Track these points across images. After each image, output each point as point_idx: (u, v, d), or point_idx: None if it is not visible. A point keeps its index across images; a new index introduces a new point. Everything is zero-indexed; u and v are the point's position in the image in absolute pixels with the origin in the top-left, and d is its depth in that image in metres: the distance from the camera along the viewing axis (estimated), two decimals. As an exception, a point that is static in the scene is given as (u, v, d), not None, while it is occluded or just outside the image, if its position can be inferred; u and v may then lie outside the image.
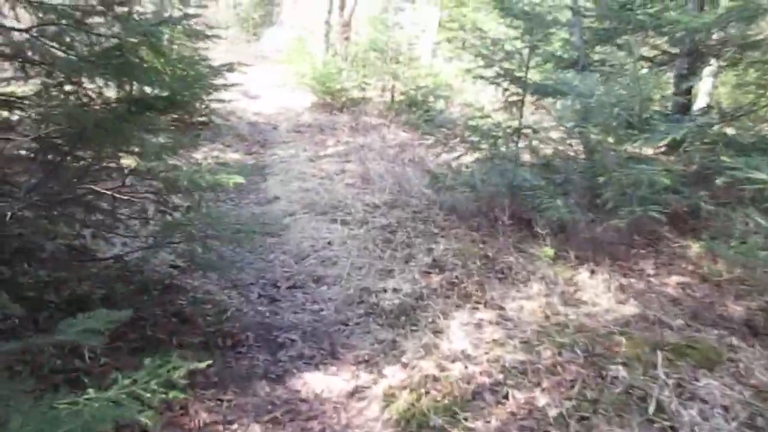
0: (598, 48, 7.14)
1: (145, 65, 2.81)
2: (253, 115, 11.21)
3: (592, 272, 4.37)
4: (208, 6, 15.92)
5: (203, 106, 9.34)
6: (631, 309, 3.85)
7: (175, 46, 9.76)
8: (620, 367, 3.05)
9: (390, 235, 5.14)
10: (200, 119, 9.45)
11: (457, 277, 4.27)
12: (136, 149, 2.89)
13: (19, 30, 2.85)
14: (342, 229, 5.30)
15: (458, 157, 6.21)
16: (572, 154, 5.63)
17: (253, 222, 5.59)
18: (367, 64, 12.11)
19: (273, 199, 6.37)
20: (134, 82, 3.08)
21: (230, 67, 9.17)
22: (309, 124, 10.25)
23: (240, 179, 2.70)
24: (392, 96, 11.76)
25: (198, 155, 7.61)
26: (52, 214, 3.75)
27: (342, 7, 14.81)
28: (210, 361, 2.27)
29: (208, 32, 9.32)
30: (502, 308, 3.84)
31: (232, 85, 10.04)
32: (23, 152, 3.34)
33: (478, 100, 11.84)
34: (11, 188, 3.19)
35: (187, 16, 4.07)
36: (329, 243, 5.01)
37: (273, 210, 6.04)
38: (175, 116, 8.91)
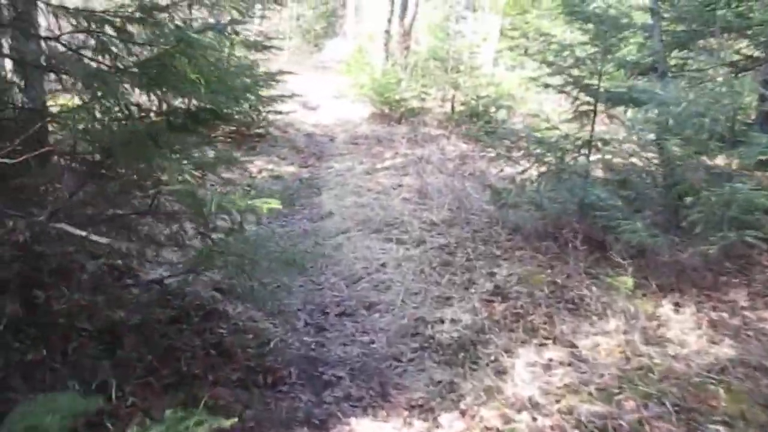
0: (674, 52, 6.57)
1: (182, 76, 2.56)
2: (310, 126, 11.07)
3: (677, 305, 3.86)
4: (268, 17, 16.00)
5: (260, 118, 9.25)
6: (726, 351, 3.34)
7: (234, 57, 9.74)
8: (721, 428, 2.57)
9: (448, 256, 4.77)
10: (258, 131, 9.36)
11: (522, 307, 3.86)
12: (168, 167, 2.62)
13: (47, 38, 2.67)
14: (397, 249, 4.96)
15: (522, 172, 5.78)
16: (650, 169, 5.11)
17: (304, 238, 5.36)
18: (427, 74, 11.79)
19: (326, 214, 6.11)
20: (176, 95, 2.84)
21: (278, 77, 9.10)
22: (366, 135, 10.00)
23: (276, 204, 2.39)
24: (452, 106, 11.38)
25: (253, 168, 7.47)
26: (96, 231, 3.59)
27: (402, 17, 14.56)
28: (236, 419, 1.96)
29: (267, 43, 9.24)
30: (574, 346, 3.40)
31: (290, 96, 9.96)
32: (60, 166, 3.19)
33: (543, 110, 11.32)
34: (50, 204, 3.01)
35: (234, 22, 3.82)
36: (383, 265, 4.68)
37: (326, 226, 5.77)
38: (232, 128, 8.81)
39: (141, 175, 3.27)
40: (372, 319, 3.87)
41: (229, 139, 8.88)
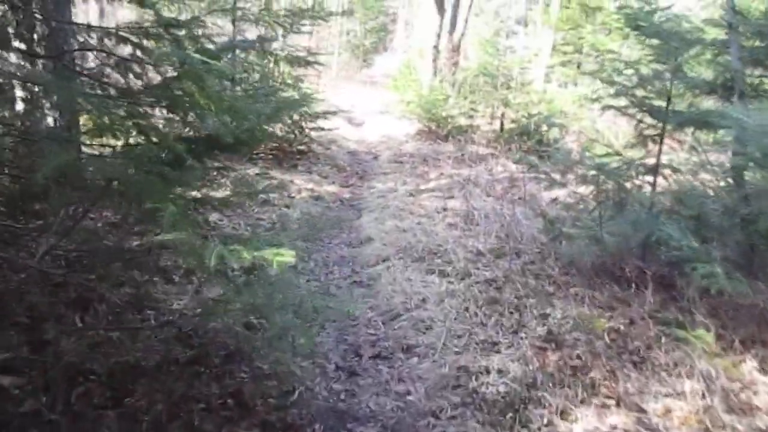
0: (748, 70, 6.01)
1: (190, 101, 2.27)
2: (354, 143, 10.82)
3: (763, 362, 3.35)
4: (317, 31, 15.79)
5: (303, 134, 9.03)
6: (827, 424, 2.83)
7: (279, 72, 9.58)
8: None
9: (495, 292, 4.35)
10: (300, 147, 9.14)
11: (579, 358, 3.42)
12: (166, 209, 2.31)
13: (45, 57, 2.42)
14: (440, 283, 4.57)
15: (578, 201, 5.33)
16: (725, 200, 4.58)
17: (341, 266, 5.03)
18: (476, 90, 11.39)
19: (366, 239, 5.77)
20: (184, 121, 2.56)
21: (319, 94, 8.84)
22: (411, 153, 9.66)
23: (290, 257, 2.05)
24: (501, 124, 10.95)
25: (293, 187, 7.22)
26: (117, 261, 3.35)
27: (452, 32, 14.23)
28: None
29: (311, 58, 9.03)
30: (641, 410, 2.95)
31: (334, 112, 9.72)
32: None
33: (599, 130, 10.77)
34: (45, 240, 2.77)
35: (263, 40, 3.53)
36: (424, 300, 4.30)
37: (364, 253, 5.43)
38: (274, 145, 8.58)
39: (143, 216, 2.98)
40: (410, 365, 3.49)
41: (270, 156, 8.70)
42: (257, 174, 7.53)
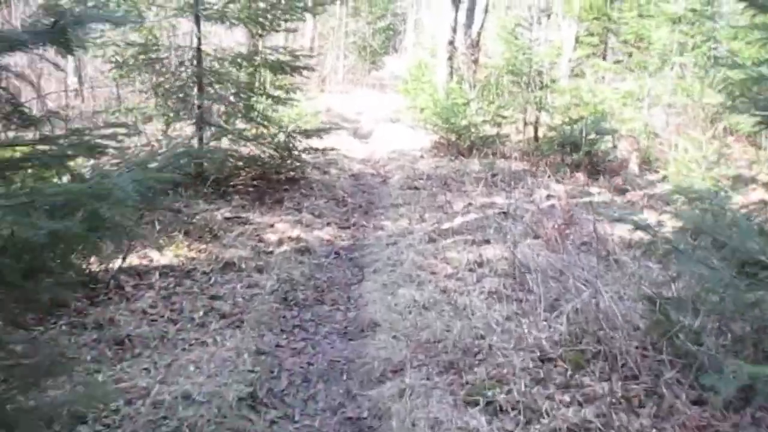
0: None
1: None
2: (359, 162, 8.98)
3: None
4: (293, 30, 13.69)
5: (292, 159, 7.21)
6: None
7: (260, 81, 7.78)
8: None
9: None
10: (290, 175, 7.33)
11: None
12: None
13: None
14: (489, 429, 2.71)
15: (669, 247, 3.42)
16: None
17: (324, 383, 3.18)
18: (502, 92, 9.49)
19: (369, 325, 3.92)
20: None
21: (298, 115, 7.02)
22: (428, 174, 7.79)
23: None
24: (536, 132, 9.04)
25: (273, 236, 5.40)
26: None
27: (468, 25, 12.32)
28: None
29: (298, 63, 7.21)
30: None
31: (329, 129, 7.92)
32: None
33: (655, 133, 8.82)
34: None
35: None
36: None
37: (366, 354, 3.57)
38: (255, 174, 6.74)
39: None
40: None
41: (251, 188, 6.89)
42: (227, 218, 5.72)
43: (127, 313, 3.75)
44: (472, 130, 8.91)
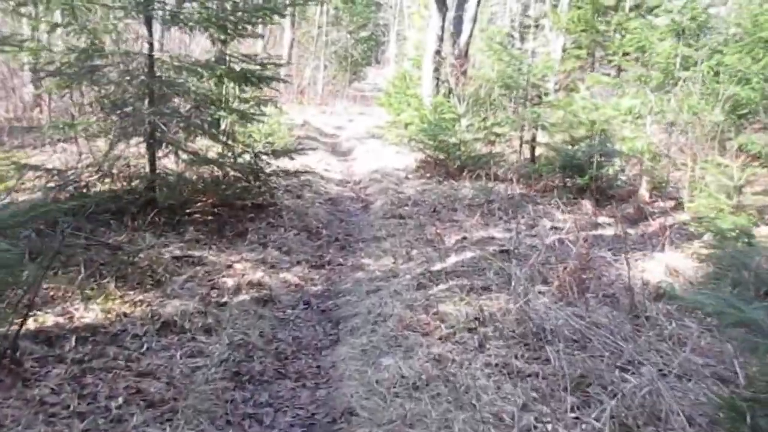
0: None
1: None
2: (336, 184, 8.08)
3: None
4: (260, 35, 12.74)
5: (259, 183, 6.29)
6: None
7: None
8: None
9: None
10: (257, 201, 6.40)
11: None
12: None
13: None
14: None
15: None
16: None
17: None
18: (495, 106, 8.67)
19: (341, 415, 3.00)
20: None
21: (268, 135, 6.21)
22: (415, 200, 6.92)
23: None
24: (532, 152, 8.22)
25: (229, 280, 4.48)
26: None
27: (456, 35, 11.54)
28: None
29: (265, 73, 6.31)
30: None
31: (303, 148, 7.04)
32: None
33: (667, 155, 8.05)
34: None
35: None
36: None
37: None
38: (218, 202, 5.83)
39: None
40: None
41: (210, 217, 5.95)
42: (176, 257, 4.78)
43: (18, 404, 2.80)
44: (463, 148, 8.07)
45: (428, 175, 8.35)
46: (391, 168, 8.69)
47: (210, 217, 5.88)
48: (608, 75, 12.65)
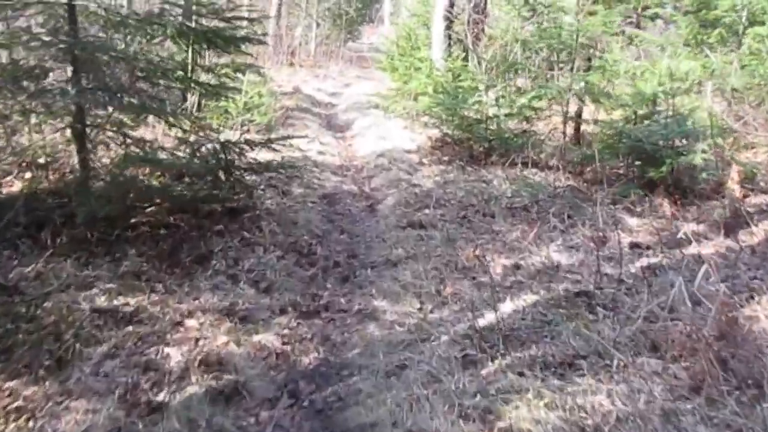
0: None
1: None
2: (333, 172, 6.45)
3: None
4: None
5: (225, 186, 4.67)
6: None
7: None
8: None
9: None
10: (231, 206, 4.78)
11: None
12: None
13: None
14: None
15: None
16: None
17: None
18: (529, 73, 6.98)
19: None
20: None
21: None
22: (436, 197, 5.30)
23: None
24: (577, 132, 6.58)
25: (175, 352, 2.91)
26: None
27: (472, -16, 9.70)
28: None
29: (237, 33, 4.62)
30: None
31: (290, 136, 5.43)
32: None
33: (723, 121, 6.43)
34: None
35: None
36: None
37: None
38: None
39: None
40: None
41: (162, 232, 4.34)
42: (96, 310, 3.19)
43: None
44: (492, 127, 6.42)
45: (445, 157, 6.73)
46: (400, 149, 7.05)
47: (162, 231, 4.28)
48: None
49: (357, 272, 4.05)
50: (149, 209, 4.47)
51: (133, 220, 4.29)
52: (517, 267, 3.89)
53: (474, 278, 3.80)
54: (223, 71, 5.82)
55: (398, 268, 4.03)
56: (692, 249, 4.15)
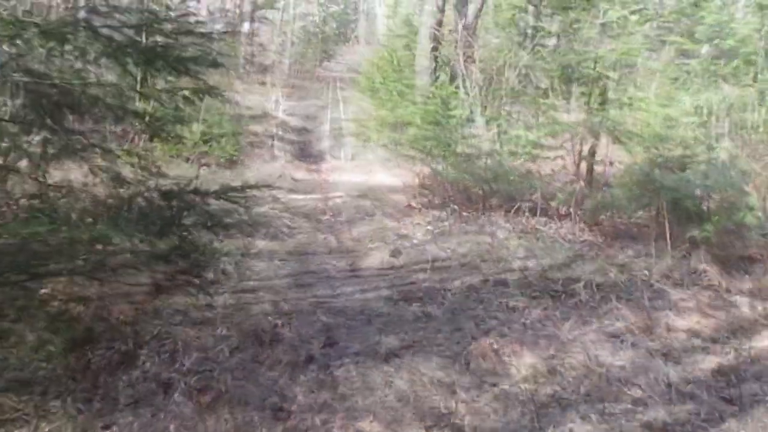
0: None
1: None
2: (305, 217, 5.43)
3: None
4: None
5: (168, 245, 3.58)
6: None
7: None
8: None
9: None
10: (175, 269, 3.70)
11: None
12: None
13: None
14: None
15: None
16: None
17: None
18: (539, 105, 6.09)
19: None
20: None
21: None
22: (430, 254, 4.32)
23: None
24: (589, 172, 5.70)
25: None
26: None
27: (461, 6, 8.86)
28: None
29: (190, 52, 3.62)
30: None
31: (257, 185, 4.40)
32: None
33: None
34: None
35: None
36: None
37: None
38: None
39: None
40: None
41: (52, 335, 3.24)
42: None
43: None
44: (489, 165, 5.50)
45: (438, 201, 5.79)
46: (383, 187, 6.09)
47: (70, 311, 3.20)
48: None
49: (336, 372, 3.03)
50: (44, 294, 3.34)
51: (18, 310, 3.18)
52: (551, 371, 2.92)
53: (494, 385, 2.82)
54: (178, 95, 4.80)
55: (391, 365, 3.03)
56: (756, 343, 3.26)
